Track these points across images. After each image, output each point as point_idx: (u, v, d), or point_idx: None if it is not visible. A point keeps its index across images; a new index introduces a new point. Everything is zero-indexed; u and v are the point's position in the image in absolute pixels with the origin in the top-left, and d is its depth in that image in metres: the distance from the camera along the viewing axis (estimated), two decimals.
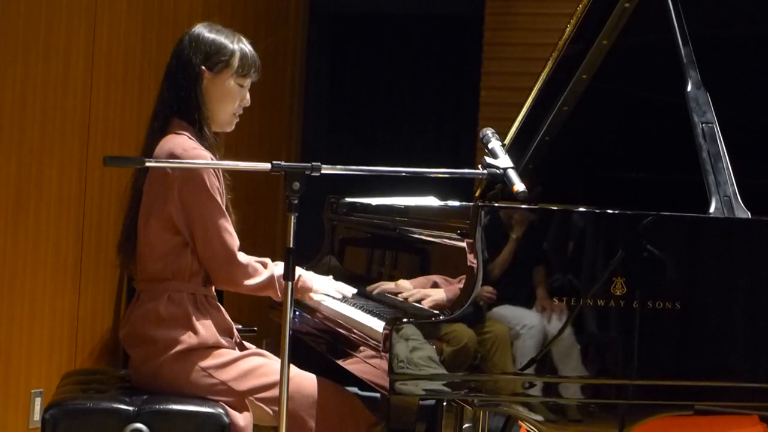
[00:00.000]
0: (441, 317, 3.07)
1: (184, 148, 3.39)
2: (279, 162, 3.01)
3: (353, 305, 3.60)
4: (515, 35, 6.91)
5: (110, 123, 5.37)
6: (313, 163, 3.00)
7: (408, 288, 3.60)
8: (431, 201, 4.22)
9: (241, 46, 3.54)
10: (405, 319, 3.04)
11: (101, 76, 5.29)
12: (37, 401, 4.94)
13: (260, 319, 4.93)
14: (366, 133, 7.65)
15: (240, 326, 3.64)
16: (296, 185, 2.97)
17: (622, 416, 3.15)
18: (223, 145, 3.60)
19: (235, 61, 3.52)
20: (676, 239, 3.20)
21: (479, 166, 3.33)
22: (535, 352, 3.09)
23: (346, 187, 4.35)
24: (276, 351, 3.50)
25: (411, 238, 3.73)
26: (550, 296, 3.11)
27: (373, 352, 3.18)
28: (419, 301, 3.44)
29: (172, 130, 3.47)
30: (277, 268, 3.52)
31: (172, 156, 3.38)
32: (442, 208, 3.95)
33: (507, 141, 4.07)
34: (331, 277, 3.88)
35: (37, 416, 4.90)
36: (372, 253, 4.14)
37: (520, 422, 3.70)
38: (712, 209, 3.29)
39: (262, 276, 3.46)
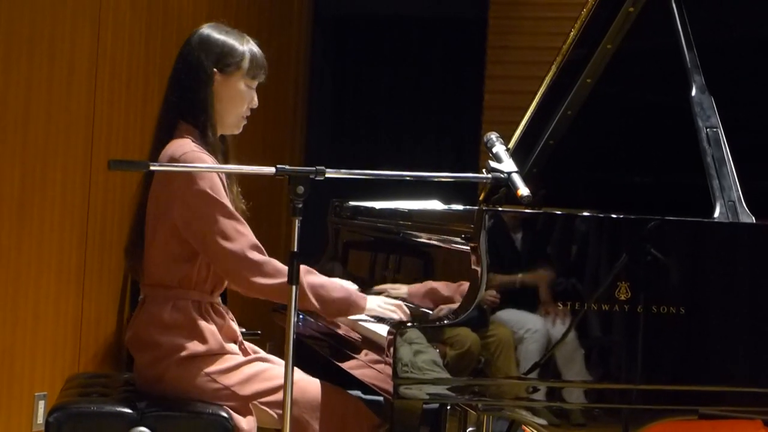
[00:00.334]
0: (445, 321, 3.07)
1: (184, 150, 3.38)
2: (283, 166, 2.99)
3: None
4: (519, 39, 6.91)
5: (114, 126, 5.38)
6: (318, 167, 2.99)
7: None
8: (435, 205, 4.22)
9: (250, 47, 3.53)
10: (409, 323, 3.04)
11: (105, 79, 5.29)
12: (41, 404, 4.94)
13: (264, 323, 4.93)
14: (369, 137, 7.66)
15: (244, 330, 3.64)
16: (300, 189, 2.96)
17: (625, 421, 3.14)
18: (233, 148, 3.57)
19: (246, 63, 3.51)
20: (680, 244, 3.20)
21: (483, 170, 3.34)
22: (539, 356, 3.09)
23: (349, 190, 4.35)
24: (279, 354, 3.50)
25: (414, 241, 3.73)
26: (554, 300, 3.11)
27: (376, 356, 3.18)
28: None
29: (177, 134, 3.46)
30: (312, 276, 3.39)
31: (173, 160, 3.37)
32: (445, 211, 3.95)
33: (511, 145, 4.07)
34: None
35: (40, 419, 4.90)
36: (375, 256, 4.14)
37: (523, 426, 3.70)
38: (716, 214, 3.29)
39: (284, 278, 3.19)
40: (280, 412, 3.11)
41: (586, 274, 3.16)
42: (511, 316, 3.09)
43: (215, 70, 3.47)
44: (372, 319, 3.50)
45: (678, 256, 3.19)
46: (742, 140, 3.47)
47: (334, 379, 3.54)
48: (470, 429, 4.12)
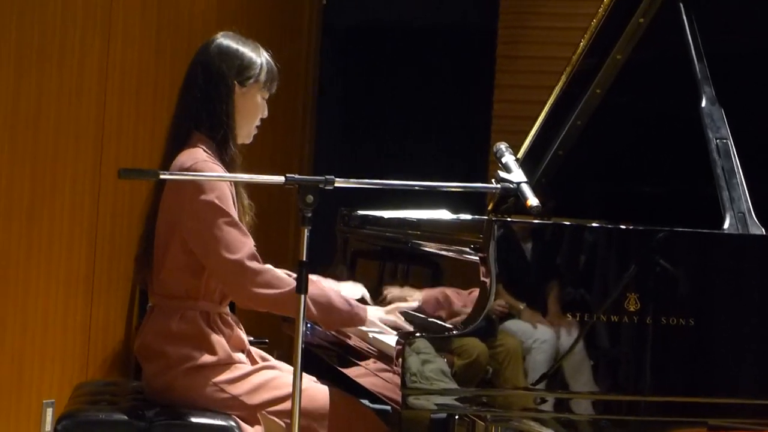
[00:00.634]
0: (453, 331, 3.07)
1: (195, 160, 3.38)
2: (292, 175, 3.00)
3: None
4: (529, 48, 6.90)
5: (124, 134, 5.38)
6: (327, 177, 3.00)
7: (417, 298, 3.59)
8: (443, 214, 4.21)
9: (266, 58, 3.54)
10: (417, 333, 3.04)
11: (115, 87, 5.30)
12: (49, 412, 4.94)
13: (271, 331, 4.93)
14: (378, 146, 7.65)
15: (251, 338, 3.64)
16: (309, 198, 2.96)
17: None
18: (241, 158, 3.58)
19: (263, 75, 3.52)
20: (689, 255, 3.20)
21: (492, 180, 3.33)
22: (547, 367, 3.09)
23: (358, 200, 4.34)
24: (287, 362, 3.50)
25: (423, 251, 3.72)
26: (563, 311, 3.10)
27: (385, 366, 3.18)
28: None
29: (190, 144, 3.46)
30: (314, 288, 3.36)
31: (182, 168, 3.37)
32: (454, 221, 3.95)
33: (520, 155, 4.07)
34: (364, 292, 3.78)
35: (48, 427, 4.90)
36: (384, 266, 4.14)
37: None
38: (726, 225, 3.29)
39: (283, 288, 3.31)
40: (289, 421, 3.11)
41: (595, 284, 3.15)
42: (519, 326, 3.08)
43: (236, 82, 3.47)
44: (392, 332, 3.50)
45: (687, 268, 3.18)
46: (752, 151, 3.46)
47: (342, 388, 3.54)
48: None
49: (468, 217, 4.03)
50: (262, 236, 3.42)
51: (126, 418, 3.30)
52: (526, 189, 3.25)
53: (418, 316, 3.57)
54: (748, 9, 3.76)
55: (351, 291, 3.70)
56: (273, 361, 3.57)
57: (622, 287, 3.12)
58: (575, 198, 4.30)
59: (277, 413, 3.38)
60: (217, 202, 3.33)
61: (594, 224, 3.25)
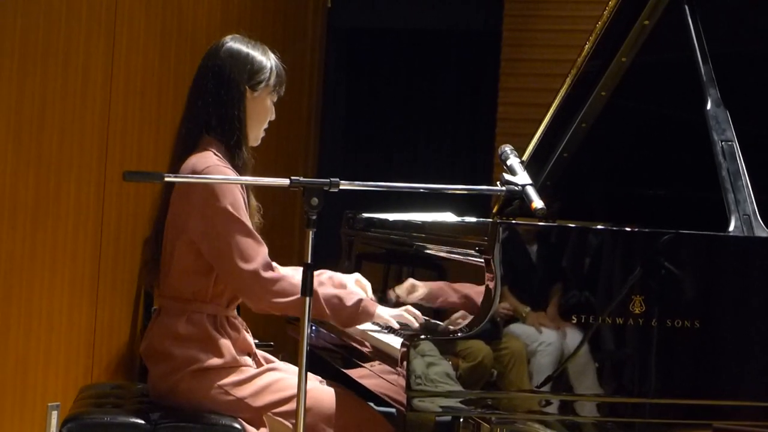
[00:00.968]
0: (458, 334, 3.06)
1: (207, 164, 3.38)
2: (298, 178, 3.00)
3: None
4: (533, 51, 6.91)
5: (128, 137, 5.38)
6: (332, 179, 3.00)
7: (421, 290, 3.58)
8: (448, 217, 4.21)
9: (274, 61, 3.54)
10: (422, 336, 3.04)
11: (120, 89, 5.30)
12: (54, 415, 4.94)
13: (276, 334, 4.93)
14: (383, 149, 7.65)
15: (257, 341, 3.64)
16: (315, 201, 2.97)
17: None
18: (253, 162, 3.57)
19: (273, 79, 3.52)
20: (695, 257, 3.19)
21: (498, 182, 3.33)
22: (552, 369, 3.08)
23: (363, 202, 4.35)
24: (292, 364, 3.50)
25: (428, 254, 3.72)
26: (568, 314, 3.10)
27: (389, 368, 3.18)
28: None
29: (200, 147, 3.46)
30: (324, 286, 3.43)
31: (195, 173, 3.37)
32: (459, 224, 3.95)
33: (525, 157, 4.07)
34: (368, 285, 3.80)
35: (53, 430, 4.90)
36: (389, 268, 4.14)
37: None
38: (731, 227, 3.28)
39: (298, 295, 3.19)
40: (294, 421, 3.11)
41: (600, 287, 3.15)
42: (524, 329, 3.08)
43: (247, 87, 3.47)
44: (385, 330, 3.50)
45: (693, 270, 3.18)
46: (758, 154, 3.46)
47: (347, 390, 3.54)
48: None
49: (473, 219, 4.03)
50: (266, 239, 3.43)
51: (131, 420, 3.30)
52: (531, 191, 3.25)
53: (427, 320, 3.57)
54: (753, 11, 3.76)
55: (384, 310, 3.66)
56: (277, 363, 3.57)
57: (627, 289, 3.11)
58: (580, 200, 4.30)
59: (282, 414, 3.38)
60: (230, 209, 3.33)
61: (599, 226, 3.25)
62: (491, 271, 3.08)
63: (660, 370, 3.13)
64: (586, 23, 4.10)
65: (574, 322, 3.10)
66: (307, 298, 2.96)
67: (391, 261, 4.10)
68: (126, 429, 3.28)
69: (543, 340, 3.08)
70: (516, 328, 3.07)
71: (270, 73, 3.51)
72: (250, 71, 3.48)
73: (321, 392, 3.44)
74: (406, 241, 3.90)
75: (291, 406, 3.35)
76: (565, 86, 4.04)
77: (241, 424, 3.31)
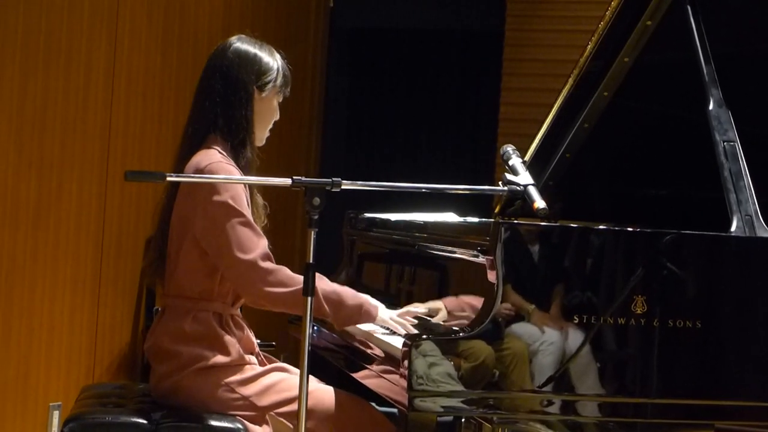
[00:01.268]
0: (460, 334, 3.06)
1: (210, 161, 3.39)
2: (299, 177, 3.00)
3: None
4: (535, 51, 6.91)
5: (130, 137, 5.39)
6: (334, 179, 3.00)
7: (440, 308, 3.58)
8: (450, 217, 4.21)
9: (281, 62, 3.55)
10: (424, 336, 3.04)
11: (122, 90, 5.30)
12: (56, 414, 4.94)
13: (278, 334, 4.93)
14: (385, 149, 7.66)
15: (259, 341, 3.64)
16: (316, 201, 2.97)
17: None
18: (258, 162, 3.57)
19: (280, 80, 3.53)
20: (697, 257, 3.19)
21: (500, 182, 3.33)
22: (554, 369, 3.08)
23: (365, 202, 4.35)
24: (294, 365, 3.50)
25: (430, 254, 3.72)
26: (570, 314, 3.10)
27: (391, 368, 3.18)
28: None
29: (205, 145, 3.46)
30: (325, 284, 3.40)
31: (198, 171, 3.37)
32: (461, 224, 3.95)
33: (527, 157, 4.07)
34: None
35: (55, 430, 4.90)
36: (390, 268, 4.14)
37: None
38: (733, 228, 3.28)
39: (296, 286, 3.28)
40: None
41: (602, 287, 3.15)
42: (526, 328, 3.08)
43: (255, 87, 3.47)
44: (386, 331, 3.50)
45: (695, 270, 3.18)
46: (760, 154, 3.46)
47: (349, 390, 3.54)
48: None
49: (475, 219, 4.03)
50: (268, 238, 3.42)
51: (132, 420, 3.30)
52: (533, 191, 3.25)
53: (428, 320, 3.57)
54: (755, 11, 3.76)
55: (386, 312, 3.63)
56: (282, 364, 3.57)
57: (629, 290, 3.11)
58: (582, 200, 4.30)
59: (285, 415, 3.39)
60: (230, 201, 3.34)
61: (601, 227, 3.25)
62: (493, 271, 3.08)
63: (662, 370, 3.13)
64: (589, 23, 4.10)
65: (576, 322, 3.10)
66: (309, 298, 2.96)
67: (392, 261, 4.10)
68: (127, 429, 3.28)
69: (545, 340, 3.08)
70: (518, 328, 3.07)
71: (277, 73, 3.52)
72: (258, 72, 3.49)
73: (323, 392, 3.45)
74: (408, 241, 3.90)
75: (294, 406, 3.35)
76: (568, 86, 4.04)
77: (243, 424, 3.31)
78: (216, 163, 3.37)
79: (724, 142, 3.43)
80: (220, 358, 3.38)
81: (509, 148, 3.42)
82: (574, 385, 3.10)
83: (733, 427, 3.22)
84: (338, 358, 3.76)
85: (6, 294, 4.70)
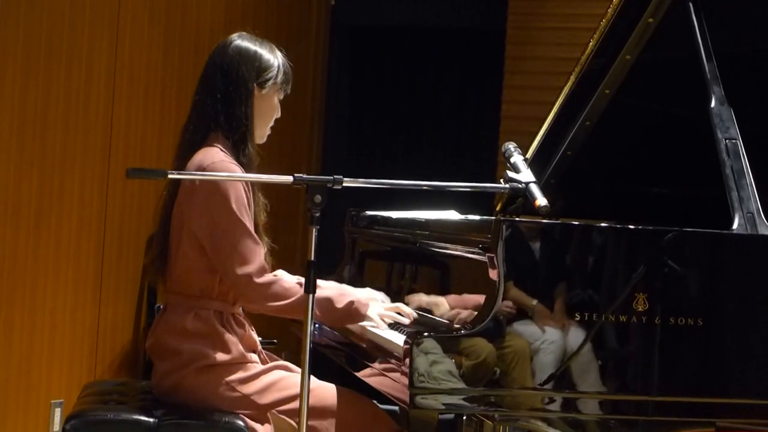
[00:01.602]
0: (462, 331, 3.06)
1: (213, 160, 3.38)
2: (301, 175, 3.00)
3: None
4: (537, 49, 6.90)
5: (132, 135, 5.39)
6: (335, 176, 3.00)
7: (442, 304, 3.58)
8: (452, 215, 4.21)
9: (281, 59, 3.55)
10: (426, 333, 3.04)
11: (123, 88, 5.30)
12: (57, 412, 4.95)
13: (280, 331, 4.93)
14: (386, 146, 7.65)
15: (260, 339, 3.64)
16: (318, 198, 2.97)
17: None
18: (259, 159, 3.57)
19: (280, 77, 3.53)
20: (698, 255, 3.19)
21: (501, 180, 3.33)
22: (555, 367, 3.09)
23: (366, 200, 4.34)
24: (295, 362, 3.50)
25: (431, 251, 3.72)
26: (571, 311, 3.10)
27: (393, 366, 3.18)
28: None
29: (206, 143, 3.46)
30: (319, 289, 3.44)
31: (201, 169, 3.37)
32: (462, 221, 3.95)
33: (529, 155, 4.07)
34: (383, 298, 3.77)
35: (57, 427, 4.91)
36: (392, 266, 4.14)
37: None
38: (735, 225, 3.28)
39: (291, 298, 3.35)
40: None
41: (604, 285, 3.15)
42: (527, 326, 3.08)
43: (255, 84, 3.47)
44: (387, 327, 3.50)
45: (696, 268, 3.18)
46: (761, 152, 3.46)
47: (350, 388, 3.54)
48: None
49: (476, 217, 4.03)
50: (270, 236, 3.42)
51: (134, 417, 3.30)
52: (535, 189, 3.25)
53: (426, 316, 3.57)
54: (757, 9, 3.76)
55: (376, 307, 3.64)
56: (284, 362, 3.57)
57: (630, 287, 3.11)
58: (584, 198, 4.30)
59: (287, 412, 3.39)
60: (234, 210, 3.33)
61: (602, 224, 3.25)
62: (494, 268, 3.08)
63: (663, 367, 3.13)
64: (591, 21, 4.10)
65: (578, 319, 3.10)
66: (310, 296, 2.97)
67: (394, 259, 4.10)
68: (129, 426, 3.28)
69: (546, 337, 3.08)
70: (519, 325, 3.07)
71: (278, 71, 3.52)
72: (258, 69, 3.49)
73: (324, 390, 3.45)
74: (410, 238, 3.90)
75: (295, 404, 3.35)
76: (569, 84, 4.04)
77: (244, 421, 3.31)
78: (219, 162, 3.37)
79: (725, 140, 3.43)
80: (221, 357, 3.38)
81: (511, 146, 3.42)
82: (575, 383, 3.10)
83: (735, 424, 3.22)
84: (339, 356, 3.76)
85: (8, 292, 4.71)
